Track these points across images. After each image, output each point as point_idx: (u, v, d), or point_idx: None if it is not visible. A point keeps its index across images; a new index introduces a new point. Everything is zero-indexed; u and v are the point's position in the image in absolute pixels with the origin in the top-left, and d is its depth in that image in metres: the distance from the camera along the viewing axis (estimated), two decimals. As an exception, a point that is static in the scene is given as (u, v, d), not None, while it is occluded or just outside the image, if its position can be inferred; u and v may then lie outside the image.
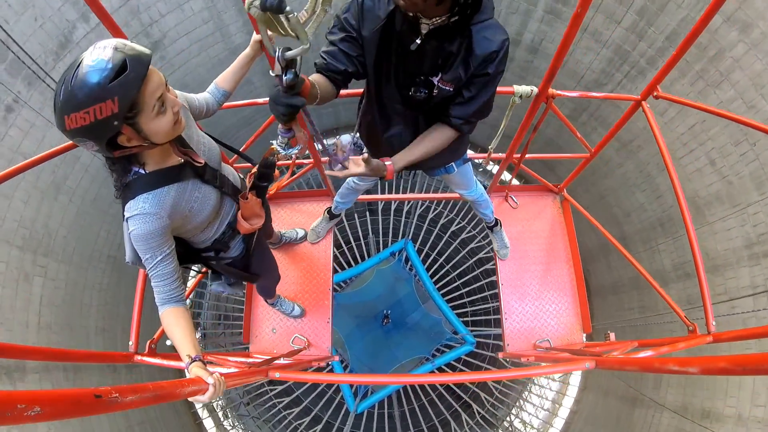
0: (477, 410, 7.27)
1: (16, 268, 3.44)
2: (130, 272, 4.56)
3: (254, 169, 1.67)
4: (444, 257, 8.31)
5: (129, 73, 0.96)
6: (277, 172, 1.76)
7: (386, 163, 1.38)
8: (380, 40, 1.33)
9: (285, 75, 1.02)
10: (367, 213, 8.38)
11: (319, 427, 7.26)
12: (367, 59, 1.39)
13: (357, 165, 1.30)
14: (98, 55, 0.95)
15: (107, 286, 4.63)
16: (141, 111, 1.03)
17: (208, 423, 6.36)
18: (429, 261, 8.30)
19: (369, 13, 1.32)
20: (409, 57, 1.33)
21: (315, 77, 1.31)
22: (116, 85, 0.95)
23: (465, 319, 7.97)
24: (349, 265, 8.29)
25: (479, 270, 7.91)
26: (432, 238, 8.32)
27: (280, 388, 7.47)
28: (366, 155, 1.27)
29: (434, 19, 1.23)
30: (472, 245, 7.85)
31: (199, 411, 6.34)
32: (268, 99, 1.11)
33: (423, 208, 8.09)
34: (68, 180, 3.86)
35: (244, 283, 1.90)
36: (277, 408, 7.34)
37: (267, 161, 1.61)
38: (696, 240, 1.90)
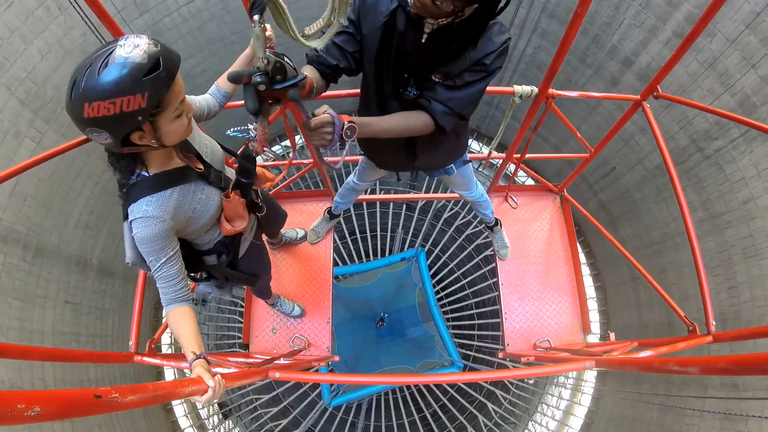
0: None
1: (8, 120, 2.95)
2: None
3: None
4: (461, 271, 8.17)
5: (162, 71, 0.97)
6: (266, 172, 1.72)
7: (349, 121, 1.22)
8: (381, 39, 1.32)
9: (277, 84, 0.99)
10: (404, 207, 8.35)
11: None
12: (367, 56, 1.38)
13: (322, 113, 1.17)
14: (133, 48, 0.95)
15: (106, 182, 4.01)
16: (164, 111, 1.05)
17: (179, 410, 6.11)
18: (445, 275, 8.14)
19: (370, 10, 1.31)
20: (410, 55, 1.32)
21: (306, 68, 1.29)
22: (149, 80, 0.95)
23: (471, 332, 7.88)
24: (367, 255, 8.15)
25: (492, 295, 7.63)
26: (462, 256, 8.07)
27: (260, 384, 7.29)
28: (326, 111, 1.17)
29: (439, 20, 1.21)
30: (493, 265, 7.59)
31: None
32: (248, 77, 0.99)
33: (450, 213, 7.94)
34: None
35: (230, 286, 1.88)
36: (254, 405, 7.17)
37: (245, 154, 1.48)
38: (696, 240, 1.90)
